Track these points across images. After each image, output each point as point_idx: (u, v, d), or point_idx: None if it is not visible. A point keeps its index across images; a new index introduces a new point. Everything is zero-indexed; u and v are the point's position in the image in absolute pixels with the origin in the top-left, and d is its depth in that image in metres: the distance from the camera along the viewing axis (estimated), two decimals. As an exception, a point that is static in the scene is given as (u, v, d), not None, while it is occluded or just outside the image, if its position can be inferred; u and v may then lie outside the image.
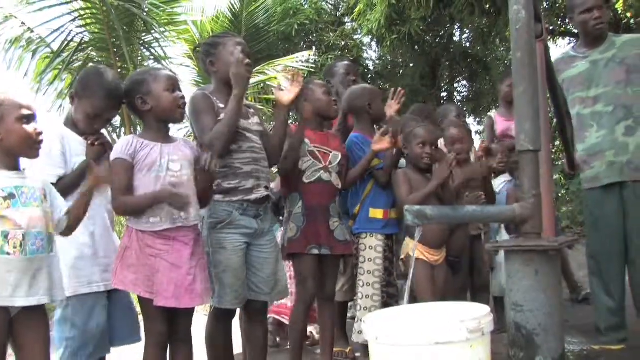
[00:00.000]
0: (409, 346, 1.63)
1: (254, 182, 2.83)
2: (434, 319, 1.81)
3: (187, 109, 2.80)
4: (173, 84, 2.63)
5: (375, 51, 13.20)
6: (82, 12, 6.48)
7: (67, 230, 2.34)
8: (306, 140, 3.18)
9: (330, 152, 3.25)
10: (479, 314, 1.71)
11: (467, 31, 11.91)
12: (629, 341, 3.14)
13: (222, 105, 2.82)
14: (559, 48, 10.83)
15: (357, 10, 8.93)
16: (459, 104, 12.91)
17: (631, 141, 3.25)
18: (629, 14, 9.31)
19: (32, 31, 6.69)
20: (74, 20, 6.38)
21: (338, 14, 13.44)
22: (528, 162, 1.94)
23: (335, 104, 3.34)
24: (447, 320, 1.70)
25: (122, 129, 6.93)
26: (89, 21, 6.55)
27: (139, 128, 6.42)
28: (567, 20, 7.73)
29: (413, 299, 3.43)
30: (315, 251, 3.11)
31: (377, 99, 3.59)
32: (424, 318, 1.86)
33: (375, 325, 1.76)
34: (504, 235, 4.02)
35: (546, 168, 2.08)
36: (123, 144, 2.52)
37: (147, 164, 2.49)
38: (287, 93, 2.98)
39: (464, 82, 13.93)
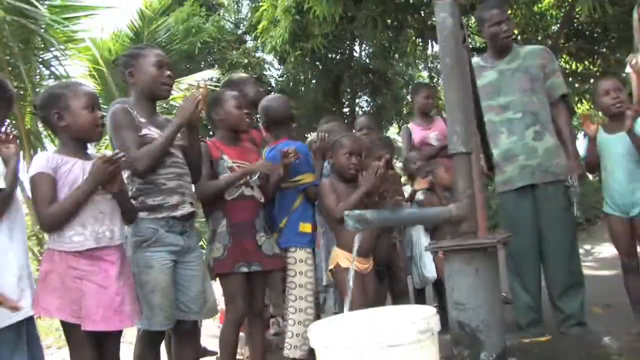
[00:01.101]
0: (360, 351, 1.60)
1: (179, 198, 2.74)
2: (382, 323, 1.80)
3: (106, 123, 2.68)
4: (93, 102, 2.51)
5: (277, 69, 13.30)
6: (-32, 25, 6.09)
7: None
8: (224, 157, 3.12)
9: None
10: (426, 314, 1.71)
11: (368, 47, 12.21)
12: (549, 334, 3.28)
13: (142, 120, 2.73)
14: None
15: (261, 26, 8.94)
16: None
17: (539, 145, 3.44)
18: (516, 31, 9.90)
19: None
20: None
21: (239, 32, 13.46)
22: (461, 164, 1.98)
23: (248, 117, 3.30)
24: (396, 322, 1.70)
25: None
26: (-24, 35, 6.16)
27: (39, 149, 6.08)
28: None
29: (341, 309, 3.42)
30: (245, 269, 3.03)
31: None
32: (372, 322, 1.85)
33: (324, 332, 1.73)
34: (422, 237, 4.13)
35: (476, 169, 2.13)
36: (43, 159, 2.37)
37: (69, 180, 2.36)
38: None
39: (366, 97, 14.27)
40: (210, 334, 5.17)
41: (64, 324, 2.32)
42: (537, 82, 3.51)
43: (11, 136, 2.50)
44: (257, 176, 3.19)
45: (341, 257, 3.17)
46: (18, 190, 2.57)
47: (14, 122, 6.52)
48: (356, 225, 1.82)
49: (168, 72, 2.84)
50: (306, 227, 3.40)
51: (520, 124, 3.46)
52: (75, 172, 2.38)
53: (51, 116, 2.44)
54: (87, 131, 2.48)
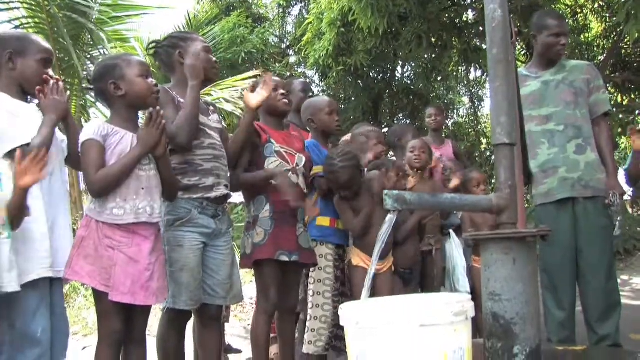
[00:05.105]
0: (392, 329, 1.56)
1: (215, 180, 2.74)
2: (416, 304, 1.76)
3: None
4: (147, 70, 2.53)
5: (318, 85, 13.36)
6: (23, 21, 6.26)
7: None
8: (272, 140, 3.07)
9: (296, 154, 3.14)
10: (461, 298, 1.67)
11: (410, 68, 12.21)
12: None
13: (182, 100, 2.76)
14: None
15: (305, 38, 9.02)
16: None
17: (581, 159, 3.36)
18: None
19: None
20: (15, 28, 6.13)
21: (283, 46, 13.63)
22: (504, 156, 1.94)
23: (286, 101, 3.20)
24: (430, 304, 1.66)
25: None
26: (31, 31, 6.30)
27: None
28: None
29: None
30: (285, 257, 2.93)
31: (319, 113, 3.51)
32: (405, 304, 1.81)
33: (356, 310, 1.69)
34: (455, 251, 4.04)
35: (518, 163, 2.09)
36: (95, 127, 2.38)
37: (117, 151, 2.37)
38: (255, 95, 2.92)
39: (405, 119, 14.21)
40: (235, 333, 5.17)
41: (94, 292, 2.32)
42: (581, 96, 3.44)
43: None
44: (302, 164, 3.14)
45: (354, 255, 3.18)
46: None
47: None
48: (394, 205, 1.79)
49: (215, 59, 2.92)
50: (323, 221, 3.35)
51: (562, 136, 3.40)
52: (124, 143, 2.39)
53: (108, 87, 2.45)
54: (144, 97, 2.48)
